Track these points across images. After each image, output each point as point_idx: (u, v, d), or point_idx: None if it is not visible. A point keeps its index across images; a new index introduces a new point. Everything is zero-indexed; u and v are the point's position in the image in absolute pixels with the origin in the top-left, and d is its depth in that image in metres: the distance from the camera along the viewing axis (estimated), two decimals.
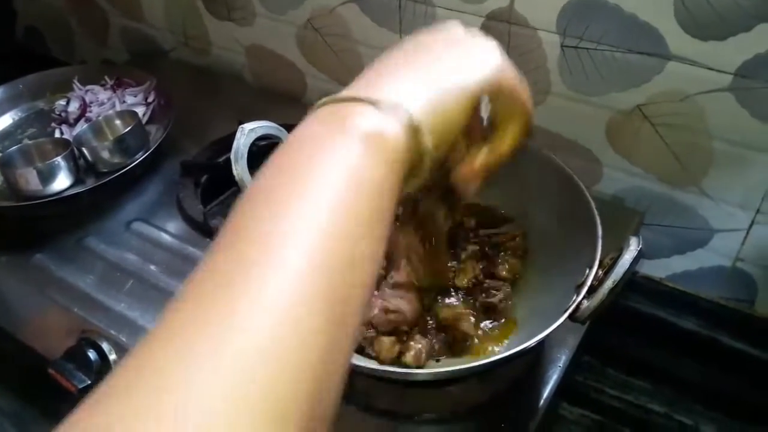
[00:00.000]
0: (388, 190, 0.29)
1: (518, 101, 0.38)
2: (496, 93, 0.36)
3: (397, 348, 0.55)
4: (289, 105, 0.98)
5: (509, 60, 0.38)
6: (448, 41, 0.37)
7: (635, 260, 0.43)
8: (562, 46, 0.69)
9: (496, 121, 0.39)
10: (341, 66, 0.91)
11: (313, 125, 0.31)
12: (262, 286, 0.24)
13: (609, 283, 0.43)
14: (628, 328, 0.73)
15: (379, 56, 0.36)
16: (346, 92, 0.32)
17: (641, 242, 0.44)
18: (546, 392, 0.59)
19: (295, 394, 0.22)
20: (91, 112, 0.90)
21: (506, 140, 0.39)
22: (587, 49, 0.68)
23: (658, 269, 0.78)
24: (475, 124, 0.37)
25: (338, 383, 0.25)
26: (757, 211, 0.67)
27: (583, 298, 0.46)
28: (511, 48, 0.73)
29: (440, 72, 0.34)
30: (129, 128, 0.81)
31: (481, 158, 0.39)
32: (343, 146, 0.29)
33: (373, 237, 0.28)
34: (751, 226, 0.69)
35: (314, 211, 0.26)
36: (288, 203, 0.27)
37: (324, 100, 0.32)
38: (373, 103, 0.31)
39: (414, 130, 0.31)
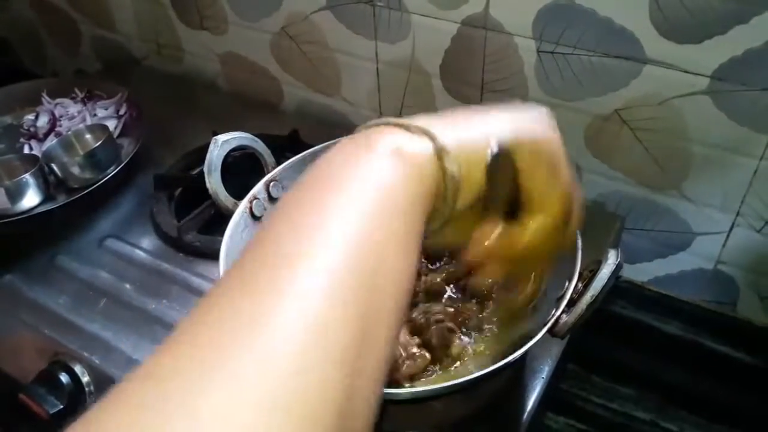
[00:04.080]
0: (418, 204, 0.30)
1: (552, 171, 0.34)
2: (523, 148, 0.34)
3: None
4: (266, 113, 0.96)
5: (557, 132, 0.35)
6: (494, 107, 0.36)
7: (613, 274, 0.42)
8: (539, 51, 0.68)
9: (527, 198, 0.35)
10: (317, 73, 0.90)
11: (345, 144, 0.32)
12: (291, 286, 0.24)
13: (587, 298, 0.42)
14: (612, 334, 0.73)
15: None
16: (380, 120, 0.33)
17: (620, 255, 0.44)
18: (530, 404, 0.58)
19: (325, 401, 0.22)
20: (60, 126, 0.88)
21: (530, 225, 0.35)
22: (564, 54, 0.67)
23: (640, 273, 0.77)
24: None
25: (371, 393, 0.25)
26: (737, 213, 0.67)
27: (562, 312, 0.45)
28: (487, 54, 0.72)
29: (475, 118, 0.34)
30: (100, 142, 0.79)
31: (493, 235, 0.36)
32: (370, 161, 0.30)
33: (401, 248, 0.28)
34: (731, 228, 0.68)
35: (343, 220, 0.27)
36: (318, 212, 0.27)
37: (360, 126, 0.33)
38: (402, 126, 0.32)
39: (440, 152, 0.31)
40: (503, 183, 0.34)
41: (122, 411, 0.21)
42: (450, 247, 0.38)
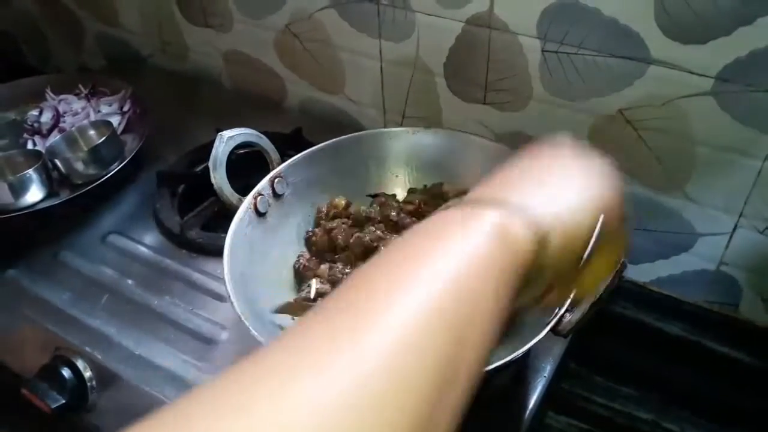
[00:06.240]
0: (505, 282, 0.29)
1: (622, 226, 0.37)
2: (609, 217, 0.35)
3: None
4: (270, 111, 0.96)
5: (618, 181, 0.37)
6: (567, 159, 0.37)
7: (617, 274, 0.42)
8: (543, 51, 0.68)
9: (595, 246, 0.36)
10: (321, 71, 0.90)
11: (438, 220, 0.31)
12: (384, 317, 0.24)
13: (591, 297, 0.42)
14: (614, 334, 0.72)
15: (499, 167, 0.36)
16: (471, 195, 0.32)
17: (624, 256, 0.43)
18: (531, 403, 0.58)
19: (404, 409, 0.23)
20: (64, 122, 0.88)
21: (603, 266, 0.38)
22: (568, 53, 0.67)
23: (642, 274, 0.77)
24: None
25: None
26: (741, 214, 0.67)
27: (565, 311, 0.45)
28: (491, 53, 0.72)
29: (566, 190, 0.34)
30: (103, 139, 0.79)
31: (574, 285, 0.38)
32: (467, 234, 0.29)
33: (486, 321, 0.28)
34: (734, 229, 0.68)
35: (432, 281, 0.26)
36: (408, 271, 0.27)
37: (449, 203, 0.32)
38: (501, 204, 0.31)
39: (539, 236, 0.31)
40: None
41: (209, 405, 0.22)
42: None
